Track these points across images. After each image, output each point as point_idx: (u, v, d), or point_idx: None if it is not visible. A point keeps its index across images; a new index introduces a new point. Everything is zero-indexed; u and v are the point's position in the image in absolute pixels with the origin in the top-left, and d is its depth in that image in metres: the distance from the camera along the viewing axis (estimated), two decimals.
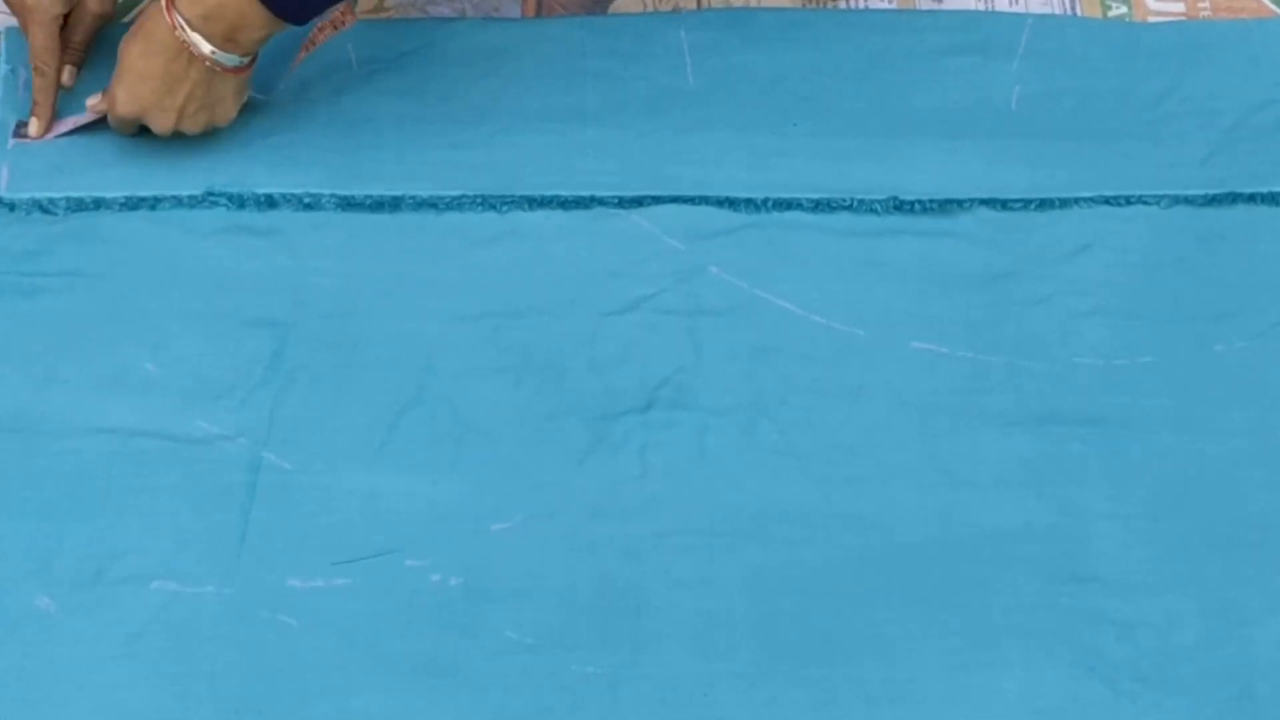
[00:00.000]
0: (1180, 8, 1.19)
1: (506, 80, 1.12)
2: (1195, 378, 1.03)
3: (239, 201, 1.07)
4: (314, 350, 1.03)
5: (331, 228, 1.07)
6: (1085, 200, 1.09)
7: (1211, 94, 1.13)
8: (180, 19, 1.00)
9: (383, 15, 1.18)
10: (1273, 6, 1.19)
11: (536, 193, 1.08)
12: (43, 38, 1.06)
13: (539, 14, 1.18)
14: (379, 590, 0.96)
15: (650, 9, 1.18)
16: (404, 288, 1.05)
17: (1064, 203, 1.09)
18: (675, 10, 1.17)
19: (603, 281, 1.05)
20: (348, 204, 1.08)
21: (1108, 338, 1.04)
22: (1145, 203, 1.09)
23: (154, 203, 1.07)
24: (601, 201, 1.08)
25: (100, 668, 0.93)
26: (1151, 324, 1.05)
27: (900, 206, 1.08)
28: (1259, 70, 1.14)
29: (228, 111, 1.06)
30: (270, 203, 1.07)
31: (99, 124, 1.10)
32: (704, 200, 1.08)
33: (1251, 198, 1.09)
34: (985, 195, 1.09)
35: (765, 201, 1.08)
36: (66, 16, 1.08)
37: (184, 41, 1.00)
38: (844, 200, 1.08)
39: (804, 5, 1.18)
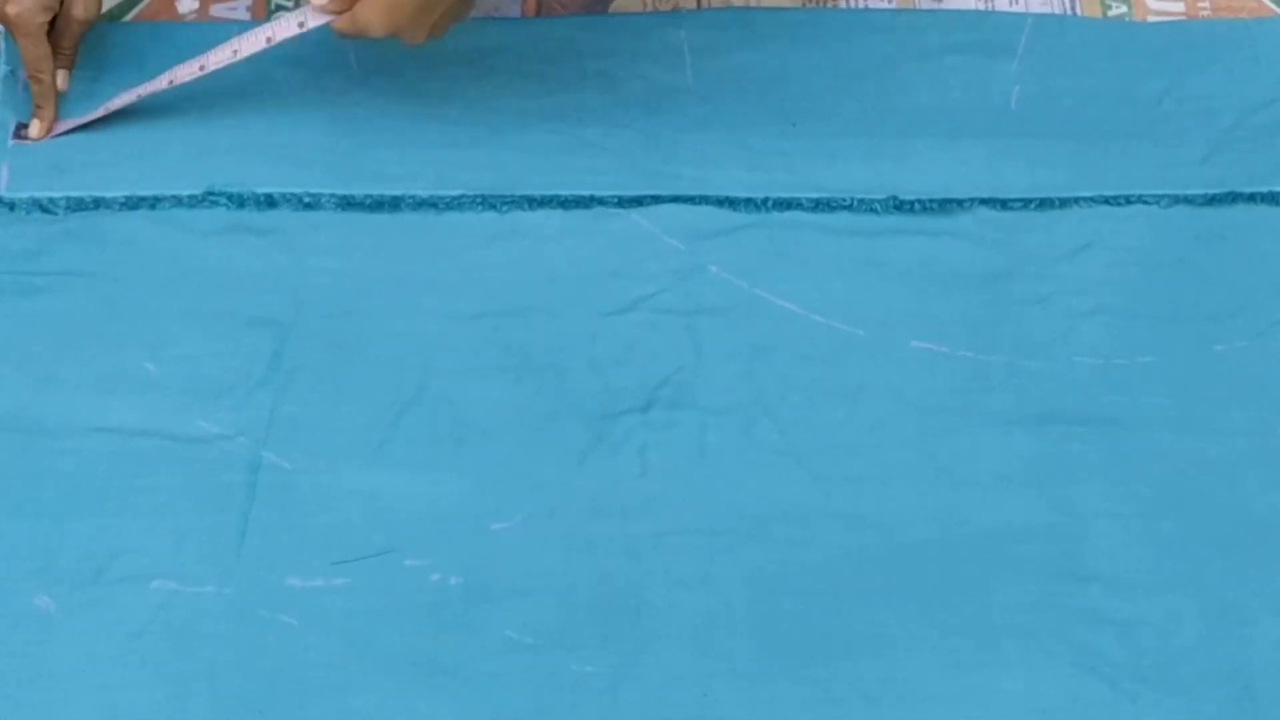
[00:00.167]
0: (1180, 7, 1.19)
1: (506, 80, 1.12)
2: (1195, 377, 1.03)
3: (239, 201, 1.07)
4: (314, 350, 1.03)
5: (331, 227, 1.07)
6: (1085, 200, 1.09)
7: (1211, 94, 1.13)
8: None
9: None
10: (1273, 6, 1.19)
11: (536, 192, 1.08)
12: (33, 47, 1.07)
13: (539, 14, 1.18)
14: (378, 590, 0.96)
15: (650, 9, 1.18)
16: (404, 287, 1.05)
17: (1064, 202, 1.09)
18: (675, 10, 1.18)
19: (602, 281, 1.06)
20: (348, 203, 1.08)
21: (1107, 337, 1.04)
22: (1145, 202, 1.09)
23: (154, 202, 1.07)
24: (601, 201, 1.08)
25: (100, 667, 0.93)
26: (1151, 323, 1.05)
27: (900, 206, 1.08)
28: (1259, 70, 1.14)
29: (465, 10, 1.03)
30: (270, 202, 1.07)
31: (99, 123, 1.10)
32: (704, 200, 1.08)
33: (1251, 197, 1.09)
34: (985, 195, 1.09)
35: (765, 201, 1.08)
36: (51, 22, 1.08)
37: None
38: (844, 200, 1.08)
39: (804, 5, 1.18)
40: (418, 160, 1.09)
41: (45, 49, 1.07)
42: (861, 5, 1.18)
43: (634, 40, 1.14)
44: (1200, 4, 1.19)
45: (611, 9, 1.18)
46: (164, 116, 1.10)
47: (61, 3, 1.06)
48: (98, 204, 1.07)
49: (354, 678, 0.93)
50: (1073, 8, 1.18)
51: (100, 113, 1.09)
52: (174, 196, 1.07)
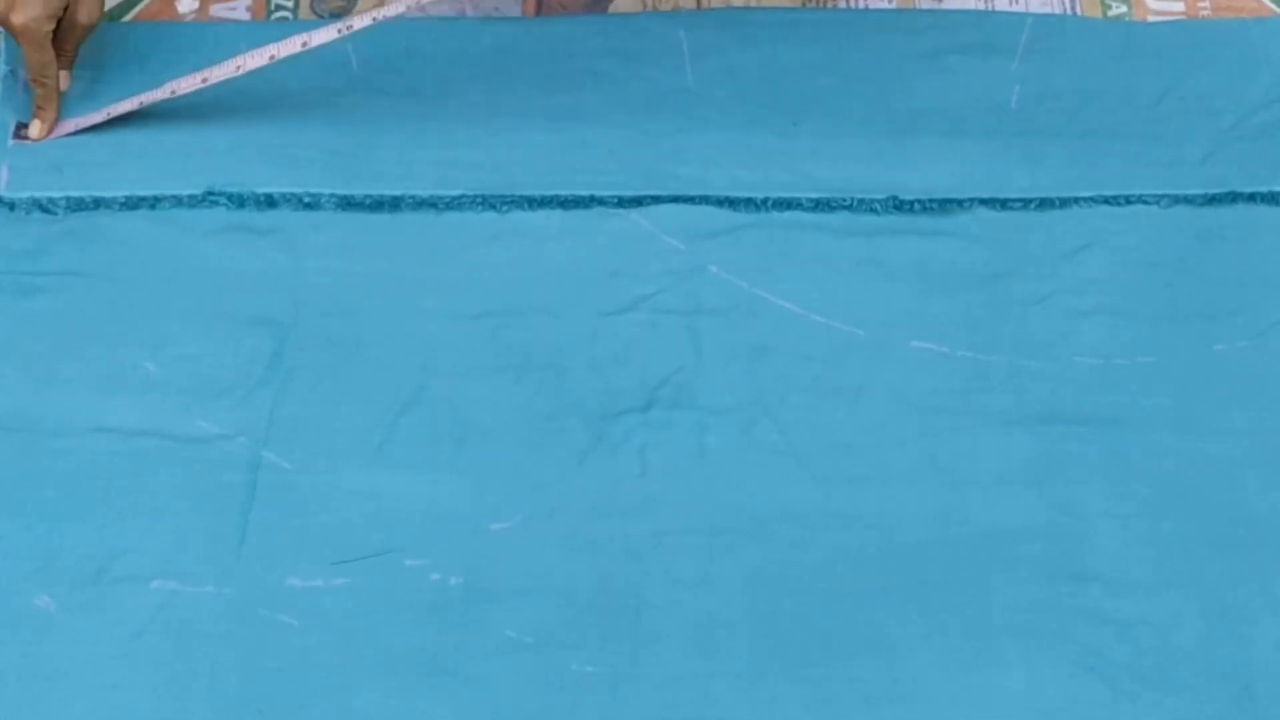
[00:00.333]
0: (1180, 7, 1.19)
1: (506, 80, 1.12)
2: (1195, 377, 1.03)
3: (239, 201, 1.07)
4: (314, 349, 1.03)
5: (331, 227, 1.07)
6: (1085, 200, 1.09)
7: (1211, 94, 1.13)
8: None
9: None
10: (1273, 6, 1.19)
11: (536, 192, 1.08)
12: (38, 54, 1.07)
13: (539, 14, 1.18)
14: (378, 590, 0.96)
15: (650, 8, 1.18)
16: (404, 287, 1.05)
17: (1064, 202, 1.09)
18: (675, 10, 1.17)
19: (602, 281, 1.05)
20: (347, 203, 1.08)
21: (1107, 337, 1.04)
22: (1145, 202, 1.09)
23: (154, 202, 1.07)
24: (601, 201, 1.08)
25: (100, 667, 0.93)
26: (1151, 323, 1.05)
27: (900, 206, 1.08)
28: (1259, 70, 1.14)
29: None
30: (270, 202, 1.07)
31: (99, 124, 1.10)
32: (704, 200, 1.08)
33: (1251, 197, 1.09)
34: (985, 195, 1.09)
35: (765, 201, 1.08)
36: (55, 27, 1.08)
37: None
38: (844, 200, 1.08)
39: (804, 5, 1.18)
40: (418, 160, 1.09)
41: (50, 55, 1.07)
42: (861, 5, 1.18)
43: (634, 40, 1.14)
44: (1200, 4, 1.19)
45: (611, 9, 1.18)
46: (164, 116, 1.10)
47: (66, 9, 1.06)
48: (98, 204, 1.07)
49: (354, 678, 0.94)
50: (1073, 8, 1.18)
51: (102, 117, 1.09)
52: (174, 196, 1.07)
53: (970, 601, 0.96)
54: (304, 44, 1.07)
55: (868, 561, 0.97)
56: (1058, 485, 1.00)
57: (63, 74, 1.09)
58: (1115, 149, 1.10)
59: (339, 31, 1.07)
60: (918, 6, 1.18)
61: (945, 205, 1.08)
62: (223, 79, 1.08)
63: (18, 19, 1.05)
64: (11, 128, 1.10)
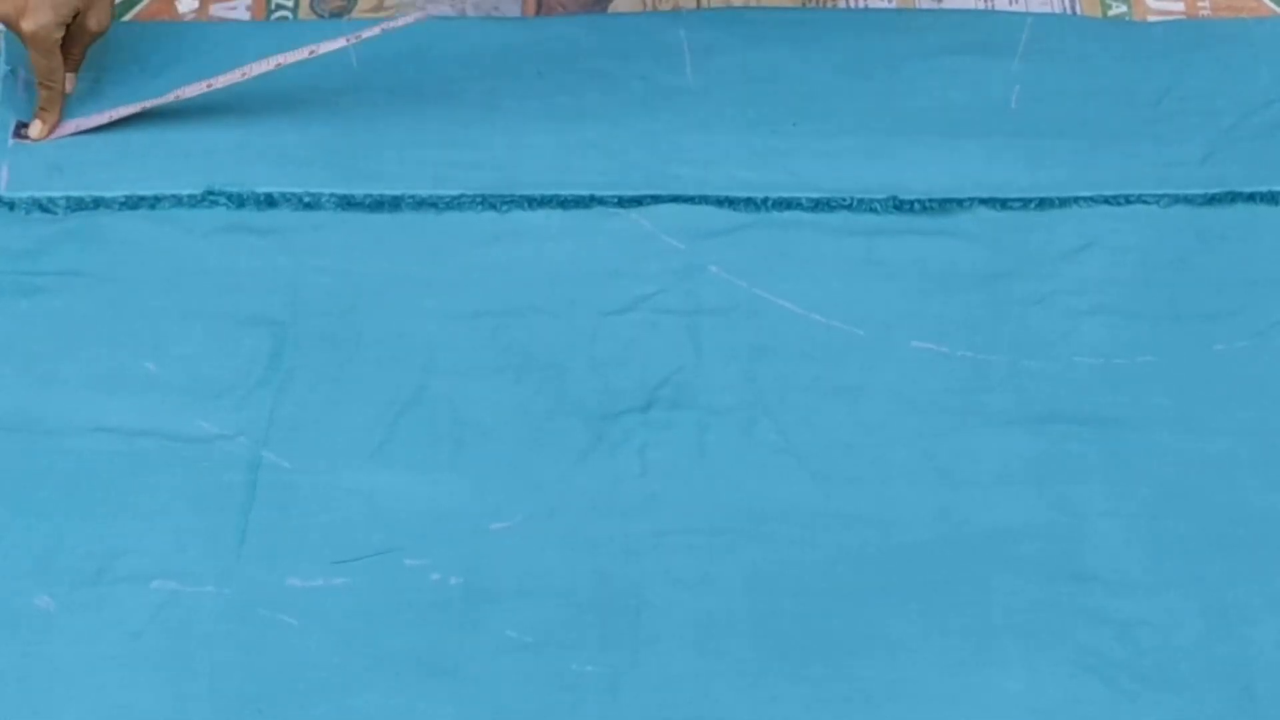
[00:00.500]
0: (1180, 7, 1.19)
1: (506, 79, 1.12)
2: (1195, 377, 1.03)
3: (239, 201, 1.07)
4: (313, 349, 1.03)
5: (331, 227, 1.07)
6: (1085, 199, 1.09)
7: (1211, 93, 1.13)
8: None
9: (382, 14, 1.18)
10: (1273, 6, 1.19)
11: (536, 192, 1.08)
12: (46, 60, 1.07)
13: (539, 13, 1.18)
14: (378, 589, 0.96)
15: (650, 8, 1.18)
16: (403, 287, 1.05)
17: (1064, 202, 1.09)
18: (675, 10, 1.18)
19: (602, 281, 1.05)
20: (347, 203, 1.08)
21: (1107, 337, 1.04)
22: (1145, 202, 1.09)
23: (154, 202, 1.07)
24: (601, 201, 1.08)
25: (100, 667, 0.93)
26: (1151, 323, 1.05)
27: (900, 206, 1.08)
28: (1259, 70, 1.14)
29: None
30: (270, 202, 1.07)
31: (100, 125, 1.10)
32: (704, 200, 1.08)
33: (1251, 197, 1.09)
34: (985, 194, 1.09)
35: (765, 201, 1.08)
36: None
37: None
38: (843, 199, 1.08)
39: (804, 5, 1.18)
40: (418, 160, 1.09)
41: (58, 60, 1.07)
42: (861, 5, 1.18)
43: (633, 39, 1.14)
44: (1200, 4, 1.19)
45: (611, 8, 1.18)
46: (164, 116, 1.10)
47: (76, 16, 1.06)
48: (98, 204, 1.07)
49: (354, 677, 0.93)
50: (1073, 7, 1.18)
51: (104, 120, 1.09)
52: (174, 196, 1.07)
53: (970, 601, 0.96)
54: (311, 52, 1.08)
55: (868, 561, 0.97)
56: (1058, 485, 1.00)
57: (69, 77, 1.09)
58: (1115, 149, 1.10)
59: (347, 40, 1.08)
60: (917, 6, 1.18)
61: (945, 205, 1.08)
62: (228, 84, 1.08)
63: (28, 26, 1.04)
64: (11, 127, 1.10)
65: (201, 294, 1.04)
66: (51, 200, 1.07)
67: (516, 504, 0.99)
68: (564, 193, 1.08)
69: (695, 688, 0.94)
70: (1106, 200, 1.09)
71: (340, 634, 0.95)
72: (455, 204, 1.08)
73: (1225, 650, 0.95)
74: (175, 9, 1.18)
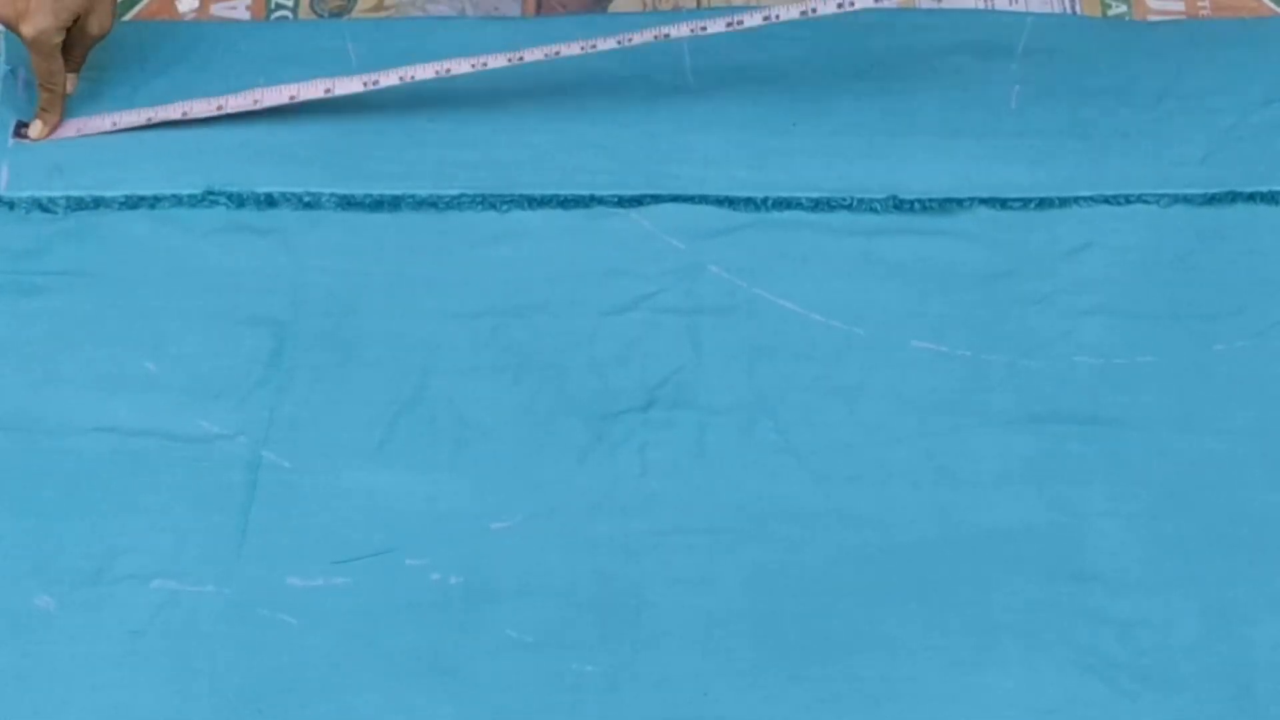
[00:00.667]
0: (1180, 7, 1.19)
1: (506, 79, 1.12)
2: (1195, 377, 1.03)
3: (239, 200, 1.07)
4: (313, 349, 1.03)
5: (331, 226, 1.07)
6: (1085, 199, 1.09)
7: (1211, 93, 1.13)
8: None
9: (382, 14, 1.18)
10: (1272, 6, 1.19)
11: (536, 192, 1.08)
12: (46, 63, 1.07)
13: (538, 13, 1.18)
14: (379, 589, 0.96)
15: (649, 7, 1.18)
16: (404, 286, 1.05)
17: (1063, 201, 1.09)
18: (675, 9, 1.17)
19: (602, 280, 1.06)
20: (347, 203, 1.08)
21: (1107, 337, 1.04)
22: (1145, 201, 1.09)
23: (154, 202, 1.07)
24: (601, 201, 1.08)
25: (100, 666, 0.93)
26: (1151, 323, 1.05)
27: (900, 205, 1.08)
28: (1259, 70, 1.14)
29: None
30: (270, 201, 1.07)
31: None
32: (704, 199, 1.08)
33: (1251, 197, 1.09)
34: (985, 194, 1.09)
35: (765, 201, 1.08)
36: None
37: None
38: (843, 199, 1.08)
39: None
40: (418, 160, 1.09)
41: (59, 63, 1.07)
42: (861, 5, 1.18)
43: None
44: (1200, 4, 1.19)
45: (611, 8, 1.18)
46: None
47: (76, 19, 1.06)
48: (98, 204, 1.07)
49: (354, 677, 0.93)
50: (1073, 7, 1.18)
51: (107, 126, 1.09)
52: (174, 196, 1.07)
53: (970, 601, 0.96)
54: (327, 90, 1.09)
55: (868, 561, 0.97)
56: (1058, 485, 1.00)
57: (70, 78, 1.09)
58: (1115, 149, 1.10)
59: (364, 85, 1.08)
60: (918, 6, 1.18)
61: (945, 205, 1.08)
62: (239, 110, 1.08)
63: (28, 30, 1.04)
64: (11, 127, 1.10)
65: (201, 294, 1.04)
66: (51, 200, 1.07)
67: (517, 504, 0.99)
68: (564, 193, 1.08)
69: (695, 687, 0.94)
70: (1107, 200, 1.09)
71: (340, 634, 0.95)
72: (455, 204, 1.08)
73: (1225, 650, 0.95)
74: (175, 8, 1.18)
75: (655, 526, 0.98)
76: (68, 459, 0.99)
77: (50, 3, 1.03)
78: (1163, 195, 1.09)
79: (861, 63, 1.14)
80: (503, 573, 0.96)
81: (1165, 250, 1.07)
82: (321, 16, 1.18)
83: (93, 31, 1.07)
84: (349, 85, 1.09)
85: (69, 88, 1.09)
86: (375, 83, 1.09)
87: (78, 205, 1.07)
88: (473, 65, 1.09)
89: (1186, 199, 1.09)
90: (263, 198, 1.07)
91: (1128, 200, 1.09)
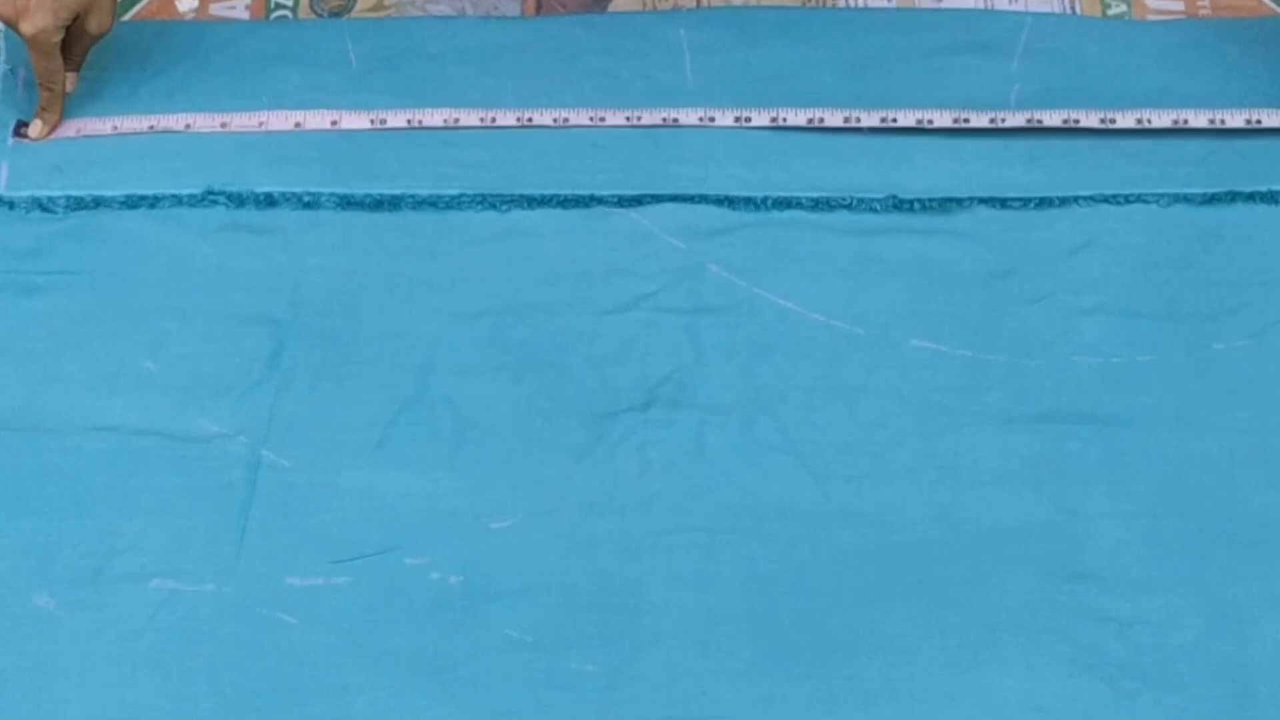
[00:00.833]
0: (1180, 7, 1.19)
1: (505, 79, 1.12)
2: (1194, 376, 1.03)
3: (238, 200, 1.07)
4: (313, 348, 1.03)
5: (331, 226, 1.07)
6: (1084, 199, 1.09)
7: (1211, 93, 1.13)
8: None
9: (382, 14, 1.18)
10: (1273, 6, 1.19)
11: (536, 191, 1.08)
12: (46, 61, 1.07)
13: (538, 12, 1.18)
14: (378, 588, 0.96)
15: (649, 7, 1.18)
16: (403, 286, 1.05)
17: (1063, 201, 1.09)
18: (674, 9, 1.18)
19: (602, 280, 1.06)
20: (347, 202, 1.08)
21: (1107, 336, 1.04)
22: (1144, 201, 1.09)
23: (153, 201, 1.08)
24: (601, 200, 1.08)
25: (100, 665, 0.93)
26: (1151, 322, 1.05)
27: (899, 205, 1.08)
28: (1259, 70, 1.14)
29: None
30: (269, 201, 1.08)
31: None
32: (703, 199, 1.08)
33: (1251, 196, 1.09)
34: (984, 194, 1.09)
35: (764, 200, 1.08)
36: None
37: None
38: (843, 199, 1.08)
39: (803, 3, 1.18)
40: (418, 160, 1.09)
41: (58, 62, 1.07)
42: (861, 4, 1.18)
43: (633, 38, 1.14)
44: (1200, 4, 1.19)
45: (610, 7, 1.18)
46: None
47: (76, 18, 1.06)
48: (98, 203, 1.07)
49: (353, 676, 0.93)
50: (1073, 7, 1.18)
51: (107, 129, 1.10)
52: (174, 196, 1.08)
53: (970, 600, 0.96)
54: (334, 123, 1.09)
55: (867, 560, 0.97)
56: (1057, 484, 1.00)
57: (70, 77, 1.09)
58: (1114, 147, 1.10)
59: (371, 122, 1.08)
60: (917, 5, 1.18)
61: (944, 204, 1.08)
62: (242, 130, 1.09)
63: (27, 28, 1.04)
64: (11, 127, 1.10)
65: (201, 293, 1.04)
66: (51, 200, 1.07)
67: (516, 503, 0.99)
68: (564, 192, 1.08)
69: (695, 687, 0.94)
70: (1106, 199, 1.09)
71: (340, 633, 0.95)
72: (455, 203, 1.08)
73: (1225, 649, 0.95)
74: (175, 8, 1.18)
75: (654, 526, 0.98)
76: (68, 459, 0.99)
77: (50, 1, 1.03)
78: (1163, 195, 1.09)
79: (861, 61, 1.14)
80: (502, 572, 0.96)
81: (1165, 250, 1.07)
82: (321, 16, 1.18)
83: (92, 30, 1.07)
84: (355, 120, 1.09)
85: (69, 87, 1.09)
86: (383, 121, 1.09)
87: (78, 205, 1.07)
88: (481, 119, 1.10)
89: (1186, 199, 1.09)
90: (263, 198, 1.08)
91: (1127, 200, 1.09)
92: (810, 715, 0.93)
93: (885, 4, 1.18)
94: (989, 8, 1.18)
